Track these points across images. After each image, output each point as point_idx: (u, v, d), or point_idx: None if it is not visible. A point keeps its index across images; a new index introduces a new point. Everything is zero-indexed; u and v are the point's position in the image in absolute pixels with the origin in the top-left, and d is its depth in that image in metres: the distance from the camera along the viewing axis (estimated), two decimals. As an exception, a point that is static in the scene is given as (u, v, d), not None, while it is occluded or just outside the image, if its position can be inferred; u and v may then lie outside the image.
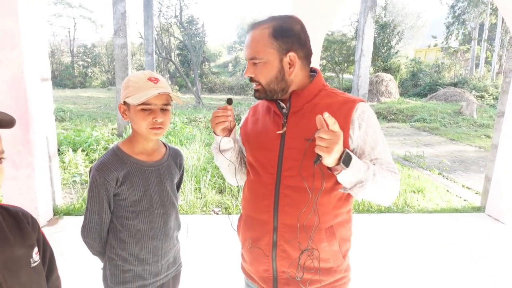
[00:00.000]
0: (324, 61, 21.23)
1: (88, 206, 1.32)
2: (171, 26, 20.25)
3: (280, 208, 1.18)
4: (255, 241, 1.26)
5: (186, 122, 9.20)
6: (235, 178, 1.38)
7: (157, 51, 16.21)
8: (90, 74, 26.21)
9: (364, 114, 1.16)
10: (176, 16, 18.77)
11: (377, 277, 2.83)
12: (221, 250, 3.16)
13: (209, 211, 4.08)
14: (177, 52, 22.31)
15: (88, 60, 26.62)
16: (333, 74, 22.26)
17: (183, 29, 19.01)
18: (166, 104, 1.29)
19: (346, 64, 21.60)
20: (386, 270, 2.94)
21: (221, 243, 3.28)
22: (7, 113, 0.82)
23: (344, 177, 1.06)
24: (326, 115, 0.97)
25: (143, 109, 1.25)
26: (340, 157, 1.01)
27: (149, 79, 1.26)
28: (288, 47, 1.15)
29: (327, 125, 0.98)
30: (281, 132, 1.20)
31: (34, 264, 0.93)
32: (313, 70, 1.27)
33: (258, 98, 1.23)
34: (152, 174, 1.36)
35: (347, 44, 21.02)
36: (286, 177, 1.18)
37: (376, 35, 18.41)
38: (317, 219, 1.16)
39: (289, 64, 1.16)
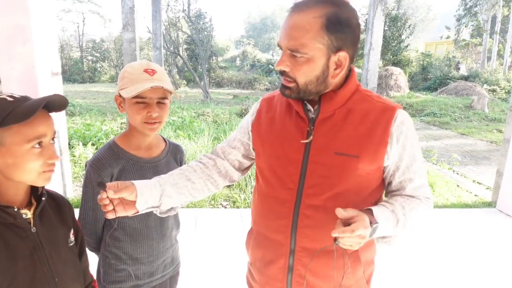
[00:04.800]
0: (333, 55, 21.02)
1: (83, 202, 1.26)
2: (179, 20, 20.21)
3: (299, 230, 1.02)
4: (268, 263, 1.11)
5: (194, 116, 9.23)
6: (205, 194, 1.16)
7: (165, 46, 16.21)
8: (99, 69, 26.39)
9: (403, 126, 1.01)
10: (184, 10, 18.71)
11: (386, 272, 2.82)
12: (229, 243, 3.18)
13: (217, 204, 4.10)
14: (185, 46, 22.32)
15: (97, 55, 26.79)
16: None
17: (191, 23, 18.96)
18: (163, 98, 1.20)
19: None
20: (395, 265, 2.93)
21: (229, 236, 3.30)
22: (62, 95, 0.87)
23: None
24: (352, 227, 0.84)
25: (137, 102, 1.18)
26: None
27: (145, 70, 1.17)
28: (340, 45, 0.93)
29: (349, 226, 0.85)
30: (306, 141, 1.01)
31: (71, 244, 1.01)
32: None
33: (287, 96, 1.01)
34: (149, 171, 1.27)
35: (356, 37, 20.77)
36: (309, 195, 1.00)
37: (386, 28, 18.15)
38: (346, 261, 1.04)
39: (336, 64, 0.96)
